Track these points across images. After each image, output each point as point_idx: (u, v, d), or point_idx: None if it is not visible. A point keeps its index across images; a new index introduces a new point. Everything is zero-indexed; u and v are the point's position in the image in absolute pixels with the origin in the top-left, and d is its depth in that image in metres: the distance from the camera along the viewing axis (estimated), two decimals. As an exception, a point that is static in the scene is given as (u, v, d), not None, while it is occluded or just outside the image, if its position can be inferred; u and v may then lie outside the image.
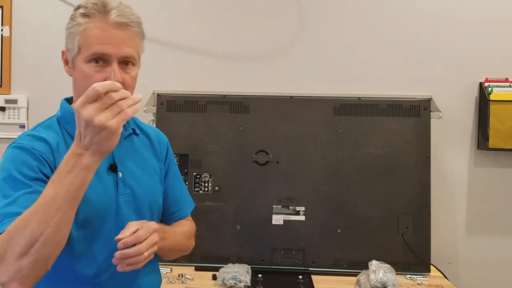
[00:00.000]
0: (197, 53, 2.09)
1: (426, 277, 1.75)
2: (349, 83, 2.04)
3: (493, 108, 1.89)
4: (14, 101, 2.12)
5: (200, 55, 2.08)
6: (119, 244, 0.93)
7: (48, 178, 0.90)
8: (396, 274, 1.62)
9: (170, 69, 2.09)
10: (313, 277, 1.74)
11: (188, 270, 1.75)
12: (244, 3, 2.07)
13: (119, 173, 1.08)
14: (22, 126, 2.13)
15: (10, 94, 2.13)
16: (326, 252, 1.82)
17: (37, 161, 0.98)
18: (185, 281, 1.64)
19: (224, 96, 1.92)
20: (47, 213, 0.83)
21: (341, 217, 1.83)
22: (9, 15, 2.11)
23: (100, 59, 0.99)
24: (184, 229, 1.27)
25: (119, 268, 0.95)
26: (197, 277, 1.70)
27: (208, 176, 1.87)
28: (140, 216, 1.10)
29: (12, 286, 0.83)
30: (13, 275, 0.83)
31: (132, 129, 1.19)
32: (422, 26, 2.02)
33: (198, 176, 1.87)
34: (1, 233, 0.85)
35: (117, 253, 0.94)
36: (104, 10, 0.99)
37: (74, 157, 0.85)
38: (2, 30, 2.12)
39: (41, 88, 2.12)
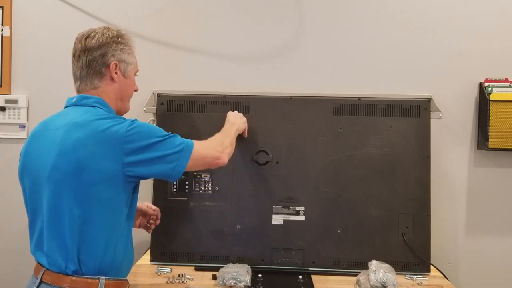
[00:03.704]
0: (197, 53, 2.09)
1: (426, 277, 1.75)
2: (349, 83, 2.04)
3: (493, 108, 1.89)
4: (14, 101, 2.12)
5: (200, 55, 2.09)
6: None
7: None
8: (396, 274, 1.62)
9: (170, 69, 2.09)
10: (313, 277, 1.74)
11: (188, 270, 1.75)
12: (244, 3, 2.08)
13: None
14: (22, 126, 2.13)
15: (10, 94, 2.13)
16: (326, 252, 1.82)
17: None
18: (185, 281, 1.64)
19: (224, 96, 1.92)
20: (234, 133, 1.68)
21: (341, 217, 1.83)
22: (9, 15, 2.11)
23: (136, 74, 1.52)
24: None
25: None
26: (197, 277, 1.70)
27: (208, 176, 1.87)
28: None
29: (227, 158, 1.51)
30: (230, 153, 1.56)
31: None
32: (422, 26, 2.02)
33: (198, 176, 1.87)
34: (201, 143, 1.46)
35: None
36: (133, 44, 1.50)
37: (229, 123, 1.73)
38: (2, 30, 2.12)
39: (41, 88, 2.12)
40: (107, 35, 1.39)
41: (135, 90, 1.51)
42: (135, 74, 1.50)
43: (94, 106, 1.35)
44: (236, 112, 1.79)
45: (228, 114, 1.79)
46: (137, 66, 1.50)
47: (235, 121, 1.73)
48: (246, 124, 1.80)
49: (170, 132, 1.37)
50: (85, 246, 1.26)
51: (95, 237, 1.26)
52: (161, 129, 1.36)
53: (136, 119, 1.33)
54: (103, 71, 1.38)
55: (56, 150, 1.25)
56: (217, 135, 1.60)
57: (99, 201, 1.25)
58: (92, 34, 1.38)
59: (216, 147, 1.48)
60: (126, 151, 1.26)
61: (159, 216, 1.70)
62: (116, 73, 1.40)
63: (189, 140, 1.39)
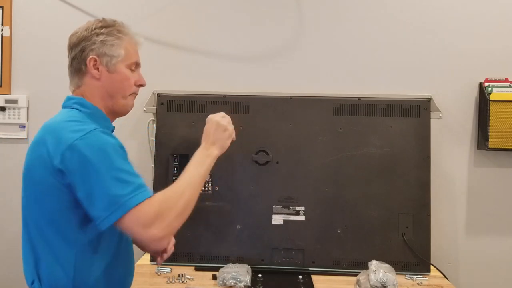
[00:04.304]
0: (197, 53, 2.09)
1: (426, 277, 1.75)
2: (349, 83, 2.04)
3: (493, 108, 1.89)
4: (14, 101, 2.12)
5: (200, 55, 2.09)
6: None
7: None
8: (396, 274, 1.62)
9: (170, 69, 2.09)
10: (313, 277, 1.74)
11: (188, 270, 1.75)
12: (244, 3, 2.08)
13: None
14: (22, 126, 2.13)
15: (10, 94, 2.13)
16: (326, 252, 1.82)
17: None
18: (185, 281, 1.64)
19: (224, 96, 1.92)
20: (197, 186, 1.19)
21: (341, 217, 1.83)
22: (9, 15, 2.11)
23: (134, 67, 1.30)
24: None
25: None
26: (197, 277, 1.70)
27: (208, 176, 1.87)
28: None
29: (166, 240, 1.11)
30: (171, 231, 1.10)
31: None
32: (422, 26, 2.02)
33: (198, 176, 1.86)
34: (150, 197, 1.08)
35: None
36: (131, 32, 1.31)
37: (206, 149, 1.31)
38: (2, 30, 2.12)
39: (41, 88, 2.12)
40: (90, 28, 1.24)
41: (141, 85, 1.32)
42: (132, 67, 1.29)
43: (72, 108, 1.23)
44: (219, 117, 1.37)
45: (207, 122, 1.38)
46: (131, 57, 1.28)
47: (216, 139, 1.32)
48: (232, 137, 1.39)
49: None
50: (41, 262, 1.15)
51: (50, 253, 1.13)
52: (115, 150, 1.13)
53: (94, 130, 1.12)
54: (82, 69, 1.24)
55: (28, 155, 1.20)
56: (176, 183, 1.18)
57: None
58: (77, 29, 1.27)
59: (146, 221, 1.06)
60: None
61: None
62: (97, 68, 1.23)
63: (142, 184, 1.10)
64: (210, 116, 1.38)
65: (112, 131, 1.30)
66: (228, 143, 1.36)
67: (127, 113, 1.33)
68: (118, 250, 1.22)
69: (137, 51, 1.31)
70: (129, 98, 1.30)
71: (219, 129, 1.34)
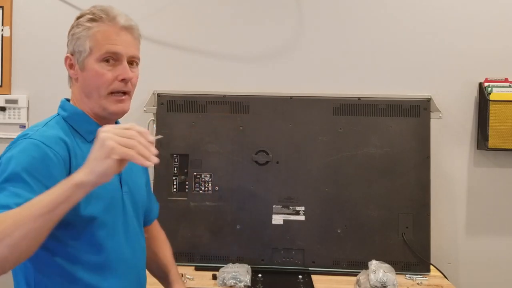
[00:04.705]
0: (197, 53, 2.09)
1: (426, 277, 1.75)
2: (349, 83, 2.04)
3: (492, 108, 1.89)
4: (14, 101, 2.12)
5: (200, 55, 2.09)
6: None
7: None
8: (396, 274, 1.62)
9: (170, 69, 2.09)
10: (313, 277, 1.74)
11: (188, 270, 1.75)
12: (244, 3, 2.08)
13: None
14: (22, 126, 2.13)
15: (10, 94, 2.13)
16: (326, 252, 1.82)
17: (57, 167, 0.97)
18: (185, 281, 1.64)
19: (224, 96, 1.92)
20: (24, 216, 0.80)
21: (341, 217, 1.83)
22: (9, 15, 2.11)
23: (111, 59, 1.06)
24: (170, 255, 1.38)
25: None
26: (197, 277, 1.70)
27: (208, 176, 1.87)
28: (136, 213, 1.17)
29: None
30: None
31: None
32: (422, 26, 2.02)
33: (198, 176, 1.87)
34: None
35: None
36: (110, 15, 1.06)
37: (75, 173, 0.85)
38: (2, 30, 2.12)
39: (41, 88, 2.12)
40: (72, 23, 1.10)
41: (123, 80, 1.06)
42: (106, 59, 1.05)
43: (57, 112, 1.12)
44: (105, 130, 0.87)
45: (98, 137, 0.86)
46: (100, 48, 1.05)
47: (89, 159, 0.86)
48: (115, 154, 0.83)
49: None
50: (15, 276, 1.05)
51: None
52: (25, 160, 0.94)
53: (26, 139, 0.98)
54: (67, 70, 1.11)
55: None
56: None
57: None
58: None
59: None
60: None
61: None
62: (73, 68, 1.08)
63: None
64: (102, 132, 0.86)
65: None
66: (103, 165, 0.83)
67: (114, 116, 1.10)
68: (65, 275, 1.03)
69: (113, 38, 1.05)
70: (109, 97, 1.06)
71: (97, 145, 0.85)
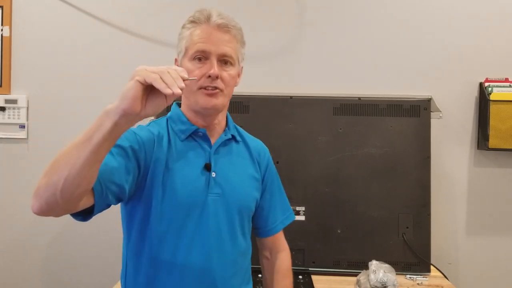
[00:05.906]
0: (197, 53, 2.08)
1: (426, 277, 1.75)
2: (349, 83, 2.04)
3: (493, 108, 1.89)
4: (14, 101, 2.12)
5: (200, 55, 2.08)
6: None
7: (138, 159, 1.05)
8: (396, 274, 1.62)
9: (170, 69, 2.08)
10: (313, 277, 1.74)
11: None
12: (244, 3, 2.07)
13: (213, 172, 1.14)
14: (22, 126, 2.13)
15: (10, 94, 2.13)
16: (326, 252, 1.82)
17: (135, 142, 1.07)
18: None
19: (224, 96, 1.92)
20: (70, 148, 0.86)
21: (341, 217, 1.83)
22: (9, 15, 2.11)
23: (202, 57, 1.11)
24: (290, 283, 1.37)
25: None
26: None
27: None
28: (228, 216, 1.15)
29: (35, 205, 0.87)
30: (35, 190, 0.87)
31: (232, 135, 1.23)
32: (422, 26, 2.02)
33: (198, 176, 1.86)
34: None
35: None
36: (208, 16, 1.13)
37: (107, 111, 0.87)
38: (2, 30, 2.12)
39: (41, 88, 2.12)
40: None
41: (209, 76, 1.10)
42: (197, 58, 1.12)
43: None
44: (141, 66, 0.89)
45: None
46: (192, 47, 1.12)
47: (110, 109, 0.87)
48: (138, 77, 0.86)
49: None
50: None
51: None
52: None
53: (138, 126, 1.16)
54: None
55: None
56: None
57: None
58: None
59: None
60: None
61: None
62: None
63: None
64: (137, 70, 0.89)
65: (193, 133, 1.16)
66: (125, 88, 0.86)
67: (205, 110, 1.13)
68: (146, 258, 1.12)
69: (205, 38, 1.11)
70: (198, 93, 1.11)
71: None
